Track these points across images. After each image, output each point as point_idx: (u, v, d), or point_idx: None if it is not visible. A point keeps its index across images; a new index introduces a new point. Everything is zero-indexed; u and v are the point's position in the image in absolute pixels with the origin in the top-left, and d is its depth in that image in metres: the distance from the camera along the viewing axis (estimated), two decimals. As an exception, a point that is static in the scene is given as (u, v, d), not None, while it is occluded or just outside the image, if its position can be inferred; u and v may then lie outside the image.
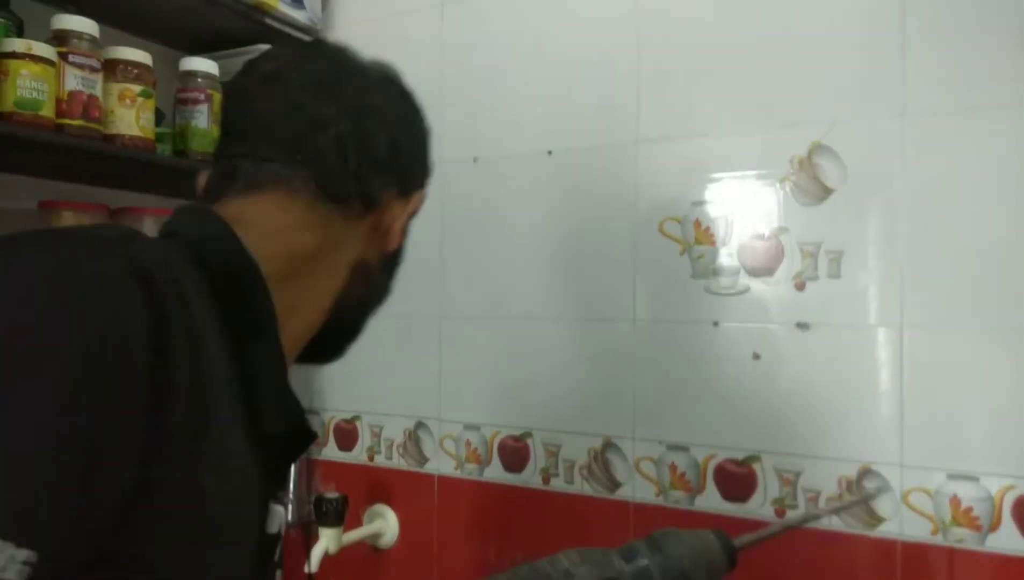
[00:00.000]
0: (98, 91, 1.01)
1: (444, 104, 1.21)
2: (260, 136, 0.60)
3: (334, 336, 0.66)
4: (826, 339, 0.95)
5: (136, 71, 1.06)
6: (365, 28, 1.34)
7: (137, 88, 1.06)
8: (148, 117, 1.08)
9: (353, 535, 1.24)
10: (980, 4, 0.88)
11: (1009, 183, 0.86)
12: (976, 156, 0.88)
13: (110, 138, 1.03)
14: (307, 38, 1.33)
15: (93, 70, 1.00)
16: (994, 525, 0.86)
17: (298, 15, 1.28)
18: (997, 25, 0.87)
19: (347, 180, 0.59)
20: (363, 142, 0.59)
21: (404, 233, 0.65)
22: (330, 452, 1.36)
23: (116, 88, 1.05)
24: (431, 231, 1.23)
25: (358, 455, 1.33)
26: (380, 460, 1.31)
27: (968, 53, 0.88)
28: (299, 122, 0.59)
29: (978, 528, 0.87)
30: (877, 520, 0.92)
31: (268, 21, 1.24)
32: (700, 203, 1.03)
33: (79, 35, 0.99)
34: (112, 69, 1.05)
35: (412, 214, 0.65)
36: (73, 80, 0.97)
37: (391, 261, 0.67)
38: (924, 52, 0.90)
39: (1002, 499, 0.86)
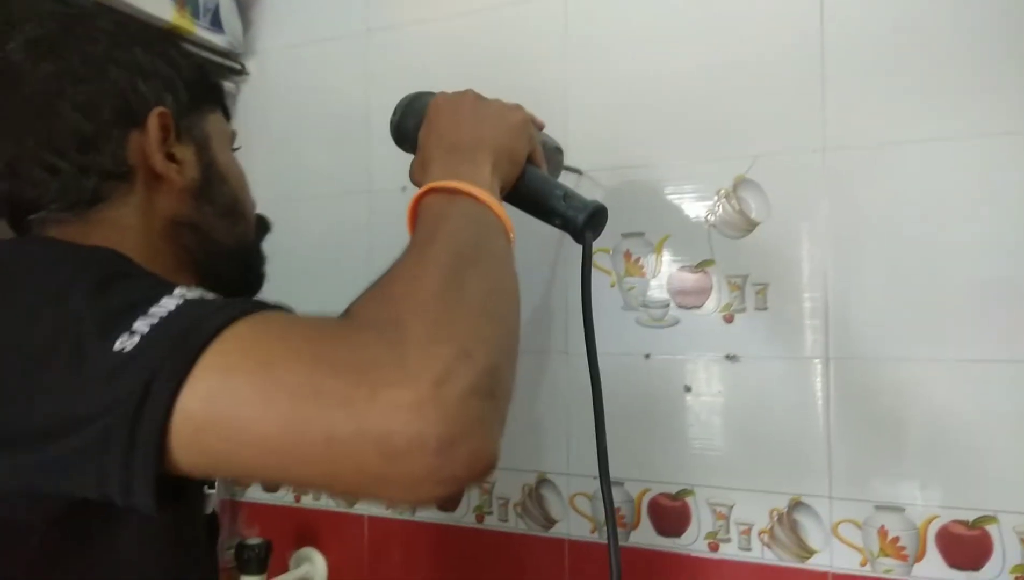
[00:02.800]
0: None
1: (371, 133, 1.18)
2: None
3: (234, 276, 0.69)
4: (755, 371, 0.96)
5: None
6: (288, 53, 1.30)
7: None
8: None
9: (279, 581, 1.19)
10: (896, 45, 0.90)
11: (928, 215, 0.88)
12: (895, 190, 0.90)
13: None
14: (229, 63, 1.30)
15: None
16: (920, 555, 0.87)
17: (217, 39, 1.24)
18: (912, 64, 0.89)
19: (61, 184, 0.58)
20: (43, 140, 0.58)
21: (175, 155, 0.63)
22: (255, 493, 1.31)
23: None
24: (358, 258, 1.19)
25: (283, 496, 1.28)
26: (307, 501, 1.26)
27: (885, 90, 0.90)
28: (3, 178, 0.59)
29: (905, 558, 0.88)
30: (808, 552, 0.92)
31: (186, 45, 1.19)
32: (630, 234, 1.03)
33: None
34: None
35: (161, 139, 0.62)
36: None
37: (201, 190, 0.65)
38: (843, 88, 0.92)
39: (927, 529, 0.87)
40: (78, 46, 0.60)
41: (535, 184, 0.74)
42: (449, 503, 0.47)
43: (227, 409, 0.41)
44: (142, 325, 0.43)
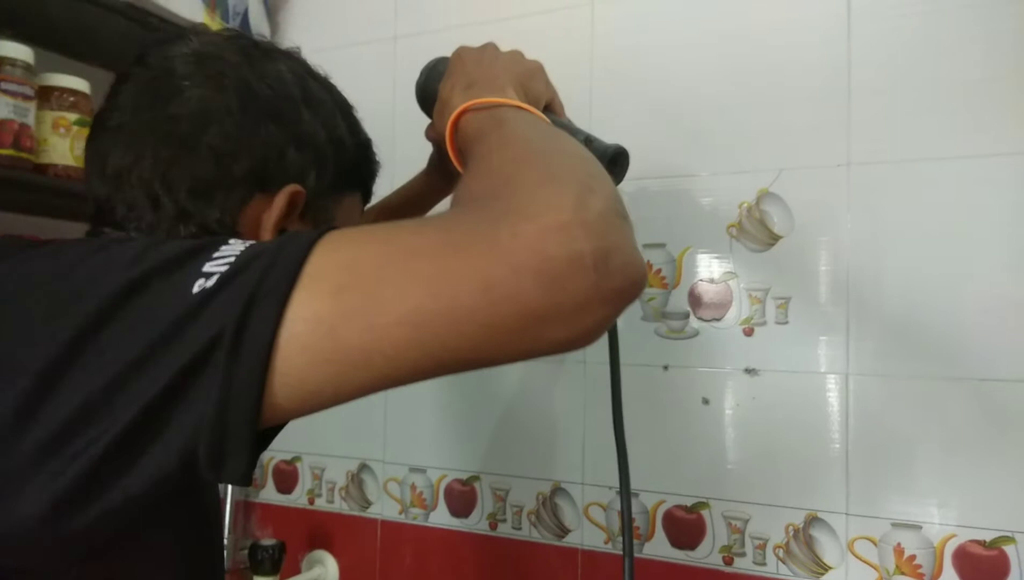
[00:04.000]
0: (31, 119, 0.97)
1: (396, 137, 1.19)
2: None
3: None
4: (774, 385, 0.96)
5: (72, 99, 1.02)
6: (315, 58, 1.31)
7: (72, 116, 1.02)
8: (84, 146, 1.04)
9: (291, 583, 1.19)
10: (922, 60, 0.90)
11: (951, 234, 0.88)
12: (919, 207, 0.90)
13: (42, 168, 0.99)
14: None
15: (26, 97, 0.96)
16: (936, 574, 0.87)
17: (246, 45, 1.25)
18: (939, 80, 0.89)
19: (155, 220, 0.53)
20: (160, 167, 0.53)
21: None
22: (268, 495, 1.31)
23: (50, 116, 1.00)
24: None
25: (298, 498, 1.29)
26: (321, 503, 1.26)
27: (911, 106, 0.90)
28: (106, 182, 0.55)
29: (921, 577, 0.87)
30: (824, 568, 0.92)
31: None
32: (651, 246, 1.03)
33: (12, 61, 0.95)
34: (47, 96, 1.00)
35: (283, 215, 0.57)
36: (4, 108, 0.93)
37: None
38: (868, 103, 0.92)
39: (943, 548, 0.86)
40: (247, 84, 0.56)
41: (560, 126, 0.71)
42: (603, 330, 0.42)
43: (361, 295, 0.38)
44: (214, 266, 0.40)
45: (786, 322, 0.95)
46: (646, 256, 1.03)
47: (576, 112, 1.08)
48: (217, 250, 0.41)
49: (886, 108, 0.92)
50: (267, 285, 0.38)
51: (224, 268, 0.39)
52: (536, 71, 0.67)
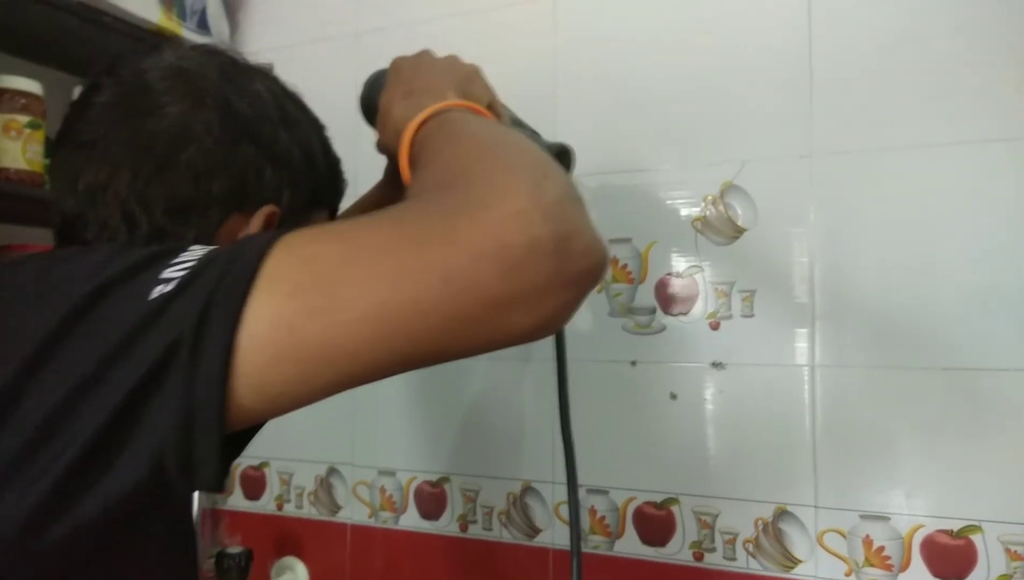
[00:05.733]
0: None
1: (359, 135, 1.17)
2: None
3: None
4: (741, 379, 0.95)
5: (24, 101, 1.00)
6: (276, 55, 1.28)
7: (24, 119, 1.00)
8: (36, 149, 1.01)
9: (259, 590, 1.17)
10: (885, 48, 0.90)
11: (918, 222, 0.88)
12: (884, 196, 0.89)
13: (-7, 172, 0.97)
14: (215, 67, 1.29)
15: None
16: (904, 564, 0.86)
17: (203, 40, 1.23)
18: (902, 69, 0.89)
19: (128, 239, 0.52)
20: (137, 185, 0.52)
21: None
22: (236, 501, 1.29)
23: (1, 119, 0.98)
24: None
25: (266, 504, 1.26)
26: (289, 509, 1.24)
27: (874, 95, 0.90)
28: (78, 198, 0.53)
29: (890, 568, 0.87)
30: (793, 562, 0.91)
31: (172, 49, 1.19)
32: (617, 240, 1.02)
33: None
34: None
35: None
36: (-52, 111, 0.90)
37: None
38: (831, 93, 0.92)
39: (911, 538, 0.86)
40: (226, 102, 0.55)
41: None
42: (568, 315, 0.43)
43: (321, 293, 0.38)
44: (173, 272, 0.40)
45: (752, 315, 0.95)
46: (612, 251, 1.02)
47: (539, 106, 1.07)
48: (177, 256, 0.41)
49: (848, 97, 0.91)
50: (225, 287, 0.38)
51: (183, 273, 0.39)
52: (473, 74, 0.66)
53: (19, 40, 1.10)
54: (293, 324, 0.38)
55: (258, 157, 0.56)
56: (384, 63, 0.76)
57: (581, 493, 1.03)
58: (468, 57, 1.13)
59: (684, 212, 0.99)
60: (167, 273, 0.39)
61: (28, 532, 0.36)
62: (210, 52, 0.59)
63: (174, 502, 0.58)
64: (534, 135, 0.72)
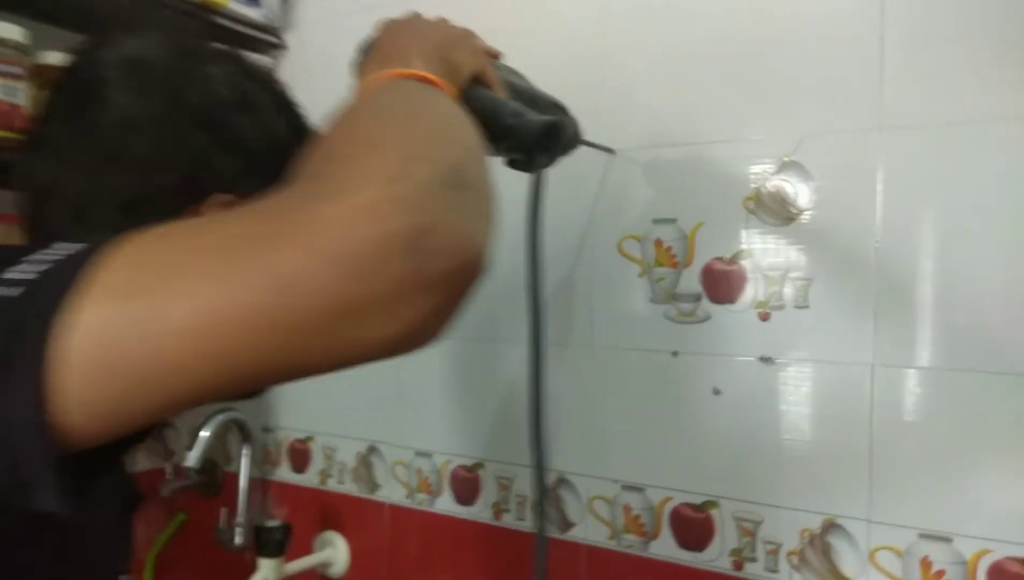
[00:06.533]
0: (21, 99, 0.96)
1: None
2: None
3: None
4: (791, 376, 0.86)
5: (69, 75, 1.01)
6: (328, 24, 1.27)
7: (69, 93, 1.01)
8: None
9: (298, 564, 1.18)
10: (967, 8, 0.78)
11: (999, 207, 0.76)
12: (962, 177, 0.78)
13: (33, 146, 0.98)
14: (266, 37, 1.27)
15: (16, 77, 0.95)
16: (970, 593, 0.77)
17: (252, 12, 1.21)
18: (986, 32, 0.77)
19: (78, 237, 0.49)
20: (86, 180, 0.50)
21: None
22: (283, 473, 1.30)
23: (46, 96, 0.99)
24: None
25: (311, 478, 1.27)
26: (332, 484, 1.24)
27: (953, 62, 0.78)
28: (33, 198, 0.52)
29: (952, 596, 0.77)
30: (841, 579, 0.83)
31: (219, 20, 1.18)
32: (661, 221, 0.95)
33: (2, 41, 0.94)
34: (42, 74, 0.99)
35: None
36: (-7, 88, 0.92)
37: None
38: (904, 59, 0.81)
39: (976, 564, 0.76)
40: (173, 89, 0.53)
41: (480, 102, 0.64)
42: (439, 326, 0.37)
43: (144, 300, 0.34)
44: (17, 273, 0.36)
45: (806, 306, 0.86)
46: (655, 232, 0.95)
47: (587, 75, 1.00)
48: (29, 255, 0.37)
49: (926, 62, 0.80)
50: (45, 292, 0.34)
51: (28, 275, 0.35)
52: (458, 39, 0.60)
53: (68, 14, 1.11)
54: (116, 335, 0.33)
55: (210, 145, 0.53)
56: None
57: (615, 488, 0.97)
58: (517, 20, 1.07)
59: (735, 190, 0.90)
60: (12, 274, 0.36)
61: None
62: (165, 39, 0.56)
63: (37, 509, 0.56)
64: (517, 112, 0.65)
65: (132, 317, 0.33)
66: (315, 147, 0.41)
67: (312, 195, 0.35)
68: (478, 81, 0.64)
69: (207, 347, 0.33)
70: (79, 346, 0.33)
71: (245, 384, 0.36)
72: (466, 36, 0.62)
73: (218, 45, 0.59)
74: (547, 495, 0.69)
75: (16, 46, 0.95)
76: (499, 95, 0.66)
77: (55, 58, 1.00)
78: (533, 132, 0.64)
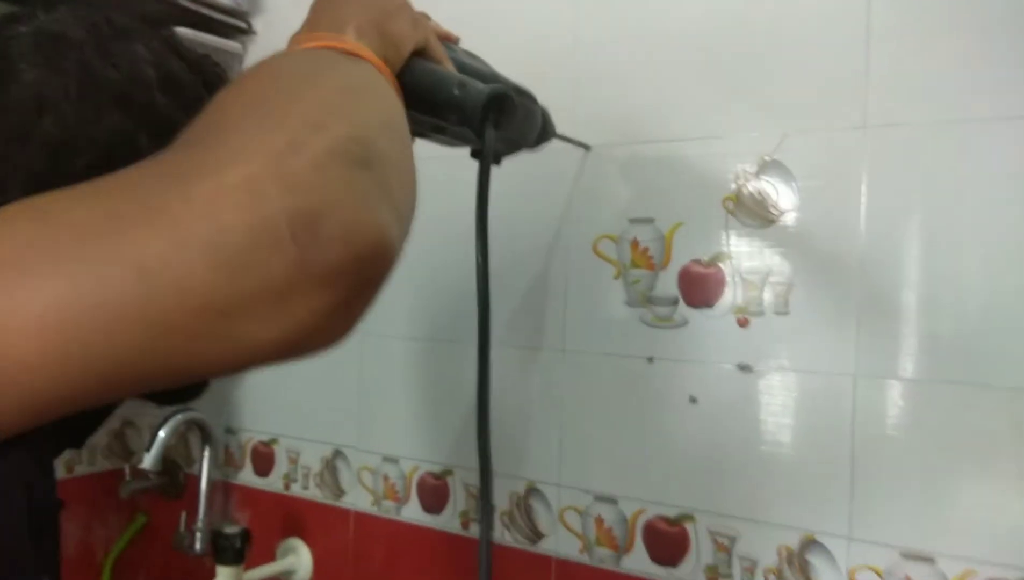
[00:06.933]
0: None
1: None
2: None
3: None
4: (770, 385, 0.82)
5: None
6: (298, 10, 1.21)
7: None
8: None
9: (259, 572, 1.13)
10: (953, 6, 0.74)
11: (987, 209, 0.73)
12: (949, 177, 0.74)
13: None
14: (234, 22, 1.22)
15: None
16: (952, 616, 0.73)
17: (228, 2, 1.16)
18: (973, 28, 0.73)
19: None
20: (6, 169, 0.46)
21: None
22: (246, 476, 1.25)
23: None
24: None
25: (274, 482, 1.22)
26: (296, 489, 1.20)
27: (940, 58, 0.75)
28: None
29: (934, 619, 0.74)
30: (820, 599, 0.79)
31: (185, 3, 1.13)
32: (638, 220, 0.91)
33: None
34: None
35: None
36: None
37: None
38: (890, 55, 0.77)
39: (962, 588, 0.73)
40: (89, 66, 0.48)
41: (422, 75, 0.60)
42: (341, 325, 0.32)
43: None
44: None
45: (786, 312, 0.82)
46: (632, 232, 0.91)
47: (559, 68, 0.95)
48: None
49: (912, 60, 0.76)
50: None
51: None
52: (397, 10, 0.56)
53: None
54: None
55: (128, 125, 0.49)
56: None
57: (587, 499, 0.93)
58: (488, 11, 1.02)
59: (714, 190, 0.86)
60: None
61: None
62: (84, 13, 0.51)
63: None
64: (462, 83, 0.61)
65: None
66: (203, 111, 0.37)
67: (185, 168, 0.31)
68: (423, 56, 0.60)
69: (60, 344, 0.29)
70: None
71: (119, 388, 0.31)
72: (407, 7, 0.58)
73: (148, 23, 0.54)
74: (491, 500, 0.64)
75: None
76: (447, 70, 0.62)
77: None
78: (480, 100, 0.60)
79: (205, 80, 0.55)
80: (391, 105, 0.42)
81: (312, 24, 0.51)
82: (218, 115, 0.35)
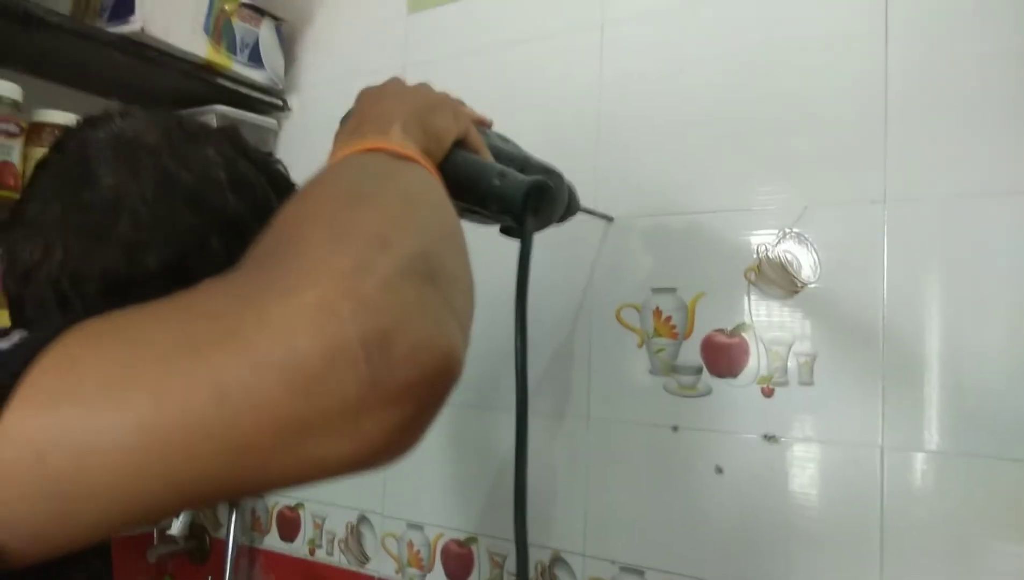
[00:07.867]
0: (15, 157, 0.95)
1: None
2: None
3: None
4: (796, 456, 0.82)
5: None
6: (333, 86, 1.27)
7: (63, 152, 1.01)
8: None
9: (282, 640, 1.13)
10: (970, 82, 0.76)
11: (1007, 281, 0.73)
12: (968, 249, 0.75)
13: (25, 205, 0.97)
14: (269, 99, 1.27)
15: (10, 135, 0.95)
16: None
17: (255, 75, 1.22)
18: (989, 105, 0.75)
19: (63, 323, 0.47)
20: (83, 267, 0.48)
21: None
22: (272, 541, 1.26)
23: (39, 153, 0.99)
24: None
25: (299, 547, 1.22)
26: (321, 555, 1.20)
27: (957, 134, 0.76)
28: (16, 280, 0.50)
29: None
30: (852, 679, 0.77)
31: (222, 82, 1.18)
32: (661, 290, 0.92)
33: (-2, 98, 0.94)
34: (38, 133, 0.99)
35: None
36: (-13, 146, 0.92)
37: None
38: (908, 131, 0.79)
39: (999, 670, 0.71)
40: (164, 169, 0.51)
41: (464, 166, 0.62)
42: (409, 439, 0.33)
43: (78, 410, 0.30)
44: None
45: (811, 383, 0.82)
46: (655, 302, 0.92)
47: (583, 140, 0.98)
48: None
49: (929, 136, 0.78)
50: None
51: None
52: (438, 104, 0.58)
53: (61, 72, 1.11)
54: (42, 451, 0.30)
55: (201, 226, 0.51)
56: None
57: (613, 570, 0.92)
58: (510, 88, 1.06)
59: (736, 261, 0.87)
60: None
61: None
62: (159, 118, 0.55)
63: None
64: (503, 173, 0.63)
65: (64, 428, 0.30)
66: (272, 223, 0.38)
67: (258, 289, 0.32)
68: (462, 146, 0.62)
69: (139, 464, 0.30)
70: (8, 460, 0.30)
71: (196, 502, 0.33)
72: (447, 100, 0.61)
73: (213, 125, 0.57)
74: (528, 576, 0.64)
75: (11, 104, 0.95)
76: (485, 159, 0.65)
77: (50, 116, 1.00)
78: (520, 191, 0.62)
79: (270, 178, 0.58)
80: (447, 212, 0.44)
81: (358, 120, 0.53)
82: (286, 231, 0.37)
